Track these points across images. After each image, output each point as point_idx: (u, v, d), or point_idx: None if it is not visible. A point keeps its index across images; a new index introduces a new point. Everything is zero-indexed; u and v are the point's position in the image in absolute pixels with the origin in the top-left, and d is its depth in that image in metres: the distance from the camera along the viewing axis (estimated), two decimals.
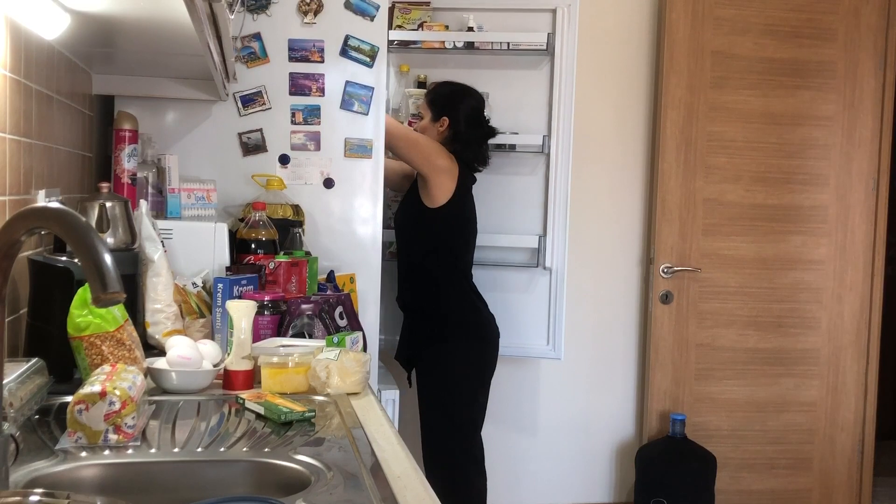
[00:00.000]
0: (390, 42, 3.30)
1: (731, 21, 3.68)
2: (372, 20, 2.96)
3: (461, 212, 3.07)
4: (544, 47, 3.43)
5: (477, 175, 3.27)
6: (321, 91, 2.95)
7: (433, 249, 3.08)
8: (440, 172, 3.01)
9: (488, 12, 3.51)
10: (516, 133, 3.46)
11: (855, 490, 3.86)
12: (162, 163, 2.69)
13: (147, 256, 2.12)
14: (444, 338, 3.04)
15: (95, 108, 2.72)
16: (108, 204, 2.03)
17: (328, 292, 2.36)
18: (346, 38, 2.95)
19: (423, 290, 3.10)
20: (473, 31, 3.41)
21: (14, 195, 1.75)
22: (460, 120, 3.09)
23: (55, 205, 1.10)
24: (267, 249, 2.52)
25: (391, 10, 3.37)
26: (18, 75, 1.77)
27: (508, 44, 3.40)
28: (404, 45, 3.37)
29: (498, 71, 3.54)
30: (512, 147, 3.47)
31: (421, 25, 3.40)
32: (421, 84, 3.43)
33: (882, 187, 3.82)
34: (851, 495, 3.86)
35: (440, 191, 3.01)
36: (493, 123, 3.41)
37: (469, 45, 3.38)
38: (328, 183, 2.97)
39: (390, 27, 3.35)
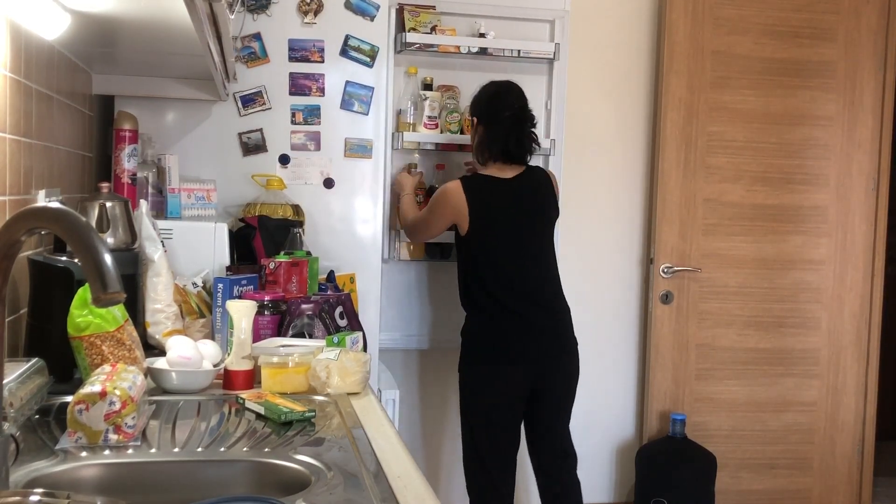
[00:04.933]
0: (407, 44, 3.31)
1: (731, 21, 3.68)
2: (372, 20, 2.97)
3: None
4: (552, 56, 3.51)
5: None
6: (321, 91, 2.95)
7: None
8: (455, 220, 2.94)
9: (490, 19, 3.54)
10: None
11: (855, 490, 3.86)
12: (162, 163, 2.69)
13: (147, 256, 2.12)
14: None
15: (95, 108, 2.72)
16: (108, 204, 2.04)
17: (328, 292, 2.36)
18: (346, 38, 2.95)
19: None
20: (485, 37, 3.45)
21: (14, 195, 1.75)
22: (486, 117, 2.96)
23: (55, 205, 1.10)
24: None
25: (400, 11, 3.38)
26: (18, 75, 1.77)
27: (519, 51, 3.47)
28: (419, 47, 3.37)
29: (503, 75, 3.54)
30: None
31: (433, 29, 3.41)
32: (427, 86, 3.44)
33: (882, 187, 3.82)
34: (851, 495, 3.86)
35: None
36: None
37: (482, 51, 3.42)
38: (328, 183, 2.97)
39: (403, 29, 3.36)
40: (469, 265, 2.95)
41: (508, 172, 2.93)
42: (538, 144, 3.02)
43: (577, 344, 3.01)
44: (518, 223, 2.92)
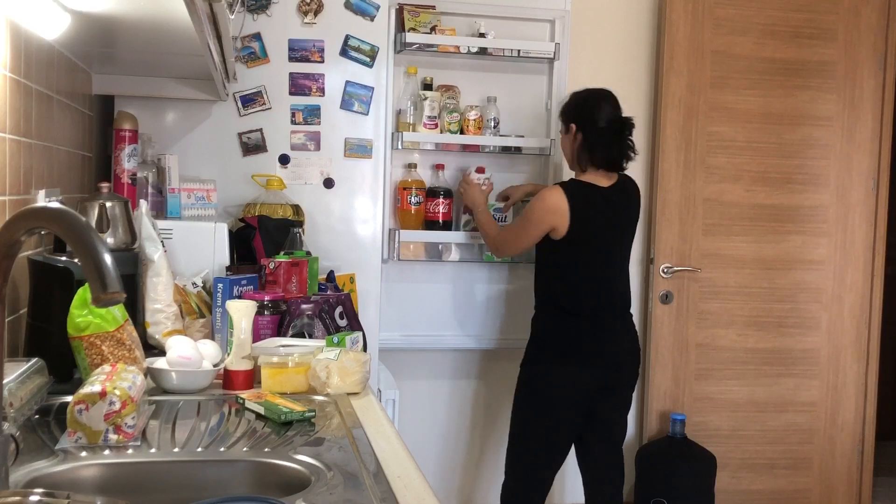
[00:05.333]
0: (406, 44, 3.31)
1: (731, 21, 3.68)
2: (372, 20, 2.97)
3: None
4: (552, 55, 3.51)
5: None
6: (321, 91, 2.95)
7: None
8: (555, 226, 2.93)
9: (490, 19, 3.54)
10: (521, 136, 3.49)
11: (855, 490, 3.86)
12: (162, 163, 2.69)
13: (147, 256, 2.12)
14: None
15: (95, 108, 2.72)
16: (108, 204, 2.04)
17: (328, 292, 2.36)
18: (346, 38, 2.95)
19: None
20: (485, 37, 3.45)
21: (14, 195, 1.75)
22: (586, 124, 2.96)
23: (55, 205, 1.10)
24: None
25: (399, 11, 3.38)
26: (18, 75, 1.77)
27: (519, 51, 3.46)
28: (419, 47, 3.37)
29: (503, 75, 3.56)
30: (518, 150, 3.51)
31: (433, 29, 3.41)
32: (427, 86, 3.44)
33: (882, 187, 3.82)
34: (851, 495, 3.86)
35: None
36: (499, 126, 3.48)
37: (482, 51, 3.42)
38: (328, 183, 2.97)
39: (403, 29, 3.36)
40: (557, 267, 2.98)
41: (605, 181, 2.97)
42: (635, 152, 3.02)
43: (640, 350, 3.14)
44: (611, 232, 3.00)
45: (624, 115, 3.00)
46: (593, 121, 2.96)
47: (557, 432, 3.00)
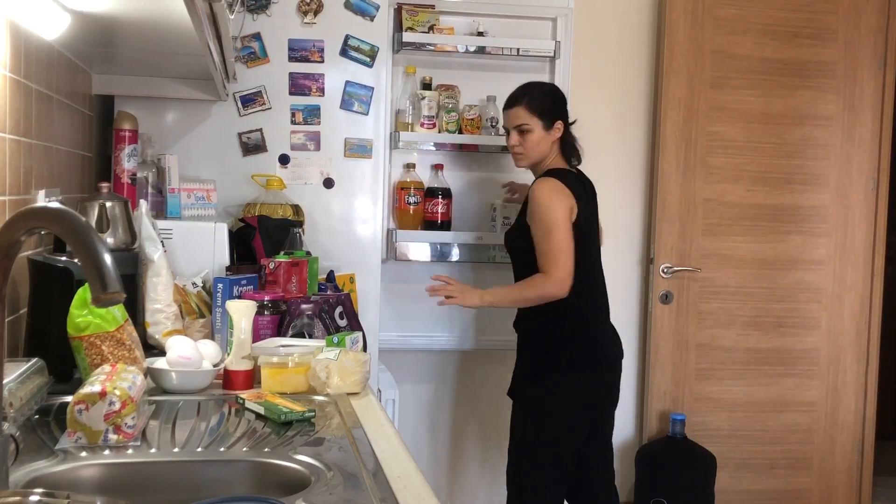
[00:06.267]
0: (404, 43, 3.31)
1: (731, 21, 3.68)
2: (372, 20, 2.97)
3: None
4: (552, 54, 3.50)
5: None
6: (321, 91, 2.95)
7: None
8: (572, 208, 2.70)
9: (491, 18, 3.53)
10: None
11: (855, 490, 3.86)
12: (162, 163, 2.69)
13: (147, 256, 2.12)
14: None
15: (95, 108, 2.72)
16: (108, 204, 2.04)
17: (328, 292, 2.36)
18: (346, 37, 2.96)
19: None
20: (484, 35, 3.45)
21: (14, 195, 1.75)
22: (565, 118, 2.80)
23: (55, 205, 1.10)
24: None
25: (398, 11, 3.38)
26: (18, 75, 1.77)
27: (518, 49, 3.45)
28: (416, 46, 3.37)
29: (503, 74, 3.55)
30: None
31: (431, 28, 3.41)
32: (426, 86, 3.44)
33: (882, 187, 3.82)
34: (851, 495, 3.86)
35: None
36: (497, 125, 3.47)
37: (481, 50, 3.41)
38: (328, 183, 2.97)
39: (400, 29, 3.36)
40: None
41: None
42: None
43: None
44: (596, 222, 2.89)
45: None
46: (568, 116, 2.83)
47: (573, 446, 2.74)
